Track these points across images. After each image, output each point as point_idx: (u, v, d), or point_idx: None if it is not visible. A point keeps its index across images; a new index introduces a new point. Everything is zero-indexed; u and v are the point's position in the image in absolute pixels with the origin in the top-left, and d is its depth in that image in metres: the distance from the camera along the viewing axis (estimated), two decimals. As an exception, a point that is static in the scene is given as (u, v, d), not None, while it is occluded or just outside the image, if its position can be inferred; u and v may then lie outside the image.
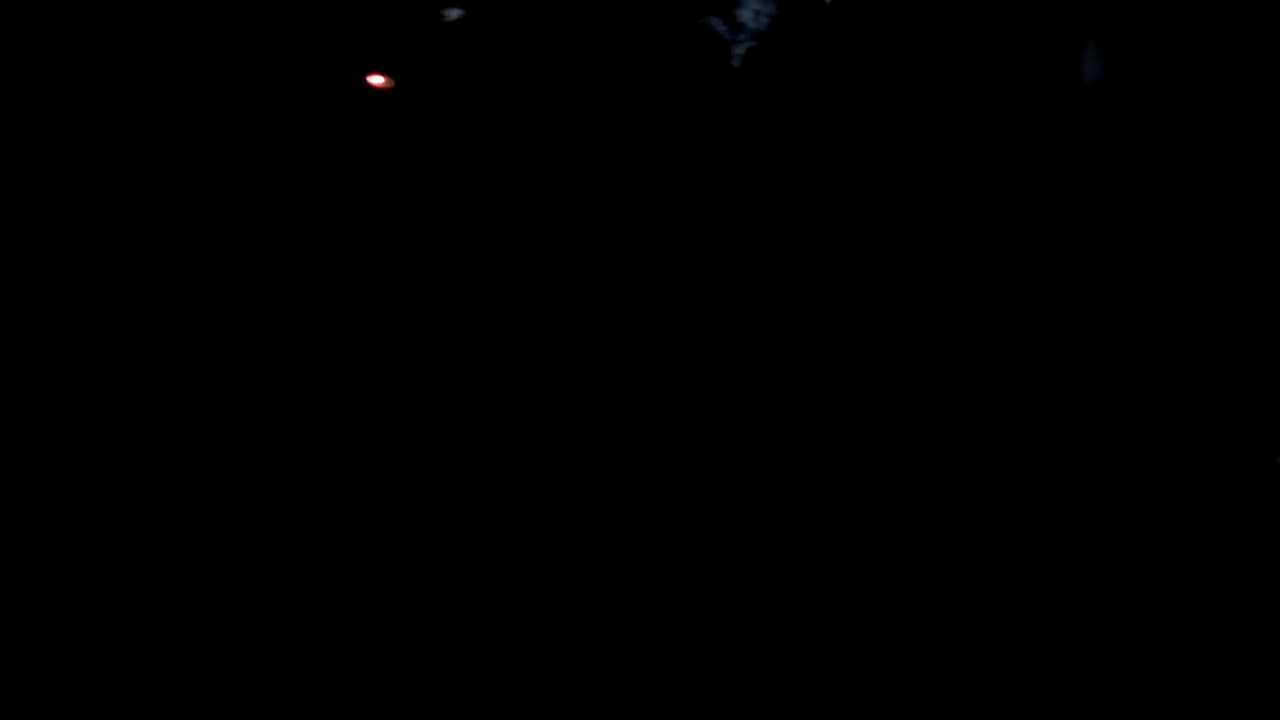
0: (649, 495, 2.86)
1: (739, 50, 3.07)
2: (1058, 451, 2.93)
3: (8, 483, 2.80)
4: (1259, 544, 2.72)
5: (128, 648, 2.51)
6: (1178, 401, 2.97)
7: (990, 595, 2.64)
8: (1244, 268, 3.02)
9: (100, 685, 2.45)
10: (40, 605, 2.58)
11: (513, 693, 2.46)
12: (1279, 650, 2.50)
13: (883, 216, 3.09)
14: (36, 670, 2.46)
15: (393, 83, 3.29)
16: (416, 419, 2.96)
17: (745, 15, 3.06)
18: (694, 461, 2.93)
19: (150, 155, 3.11)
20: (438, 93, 3.29)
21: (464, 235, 3.18)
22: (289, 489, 2.86)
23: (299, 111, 3.22)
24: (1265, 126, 3.05)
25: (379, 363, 3.05)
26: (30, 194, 3.03)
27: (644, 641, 2.56)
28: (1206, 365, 3.00)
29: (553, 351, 3.05)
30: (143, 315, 3.05)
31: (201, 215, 3.13)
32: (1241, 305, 3.00)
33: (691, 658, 2.53)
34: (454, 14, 3.34)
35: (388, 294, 3.13)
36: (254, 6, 3.18)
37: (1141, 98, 3.12)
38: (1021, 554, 2.73)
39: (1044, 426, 2.98)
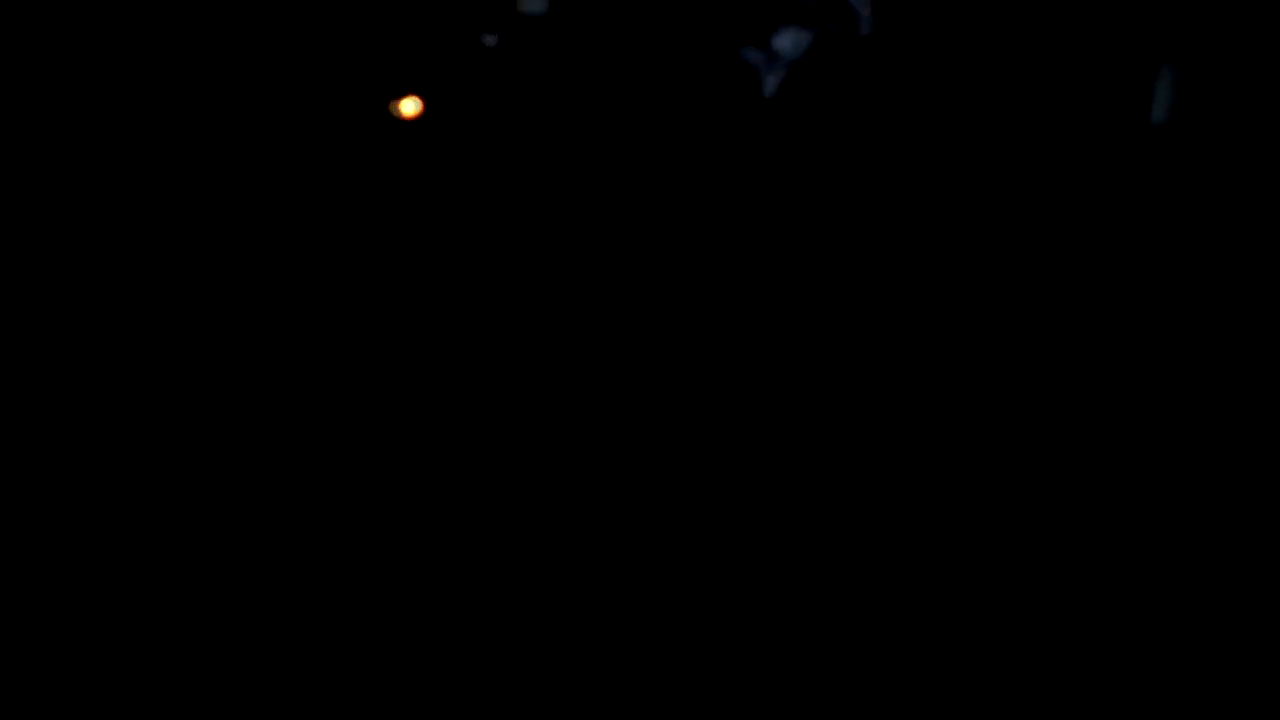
0: (661, 492, 2.79)
1: (773, 80, 2.90)
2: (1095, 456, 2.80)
3: (7, 483, 2.79)
4: (1261, 544, 2.61)
5: (128, 647, 2.50)
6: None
7: (991, 595, 2.60)
8: None
9: (100, 685, 2.44)
10: (40, 604, 2.57)
11: (513, 693, 2.44)
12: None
13: (923, 258, 2.92)
14: (36, 670, 2.45)
15: (422, 108, 3.23)
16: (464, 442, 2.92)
17: (783, 45, 2.90)
18: (715, 462, 2.84)
19: (166, 179, 3.12)
20: (469, 120, 3.22)
21: (493, 265, 3.12)
22: (316, 485, 2.83)
23: (323, 137, 3.18)
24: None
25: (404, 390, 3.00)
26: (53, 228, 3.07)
27: (644, 641, 2.54)
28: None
29: (585, 374, 2.97)
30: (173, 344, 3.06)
31: (216, 244, 3.11)
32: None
33: (691, 658, 2.51)
34: (490, 40, 3.28)
35: (410, 324, 3.08)
36: (279, 26, 3.15)
37: (1222, 138, 2.89)
38: (1023, 554, 2.67)
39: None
